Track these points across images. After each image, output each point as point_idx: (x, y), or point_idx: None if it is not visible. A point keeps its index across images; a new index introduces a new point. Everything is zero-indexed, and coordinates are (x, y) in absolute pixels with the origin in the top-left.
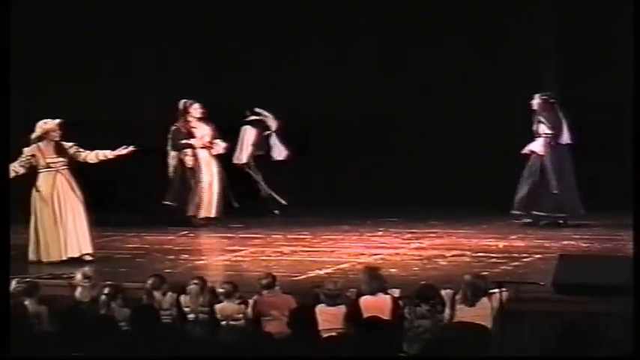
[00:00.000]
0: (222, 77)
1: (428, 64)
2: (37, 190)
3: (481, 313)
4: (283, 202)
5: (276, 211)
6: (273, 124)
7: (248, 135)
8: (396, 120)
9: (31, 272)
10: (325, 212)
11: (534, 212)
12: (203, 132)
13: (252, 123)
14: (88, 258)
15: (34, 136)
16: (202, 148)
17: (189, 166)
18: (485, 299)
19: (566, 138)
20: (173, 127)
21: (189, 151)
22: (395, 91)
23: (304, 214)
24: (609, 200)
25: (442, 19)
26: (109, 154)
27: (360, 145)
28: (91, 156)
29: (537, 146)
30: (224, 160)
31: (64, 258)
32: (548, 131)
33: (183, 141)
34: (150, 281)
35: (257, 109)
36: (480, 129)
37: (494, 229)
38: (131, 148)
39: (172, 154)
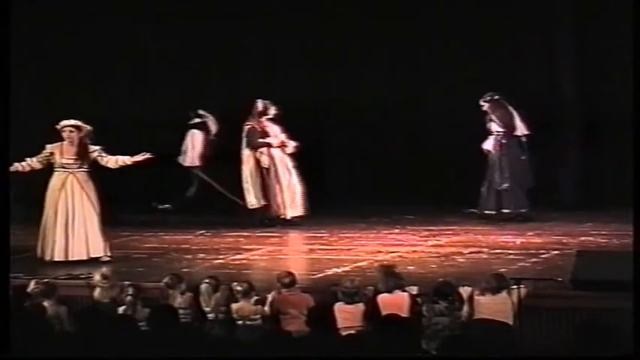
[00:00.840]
0: (225, 76)
1: (438, 59)
2: (48, 189)
3: (502, 309)
4: (240, 201)
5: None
6: (213, 127)
7: (196, 138)
8: (411, 117)
9: (45, 272)
10: (342, 210)
11: (484, 212)
12: (275, 131)
13: (197, 126)
14: (106, 259)
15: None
16: (277, 147)
17: (266, 166)
18: (505, 294)
19: (521, 130)
20: (247, 126)
21: (264, 150)
22: (406, 87)
23: (321, 212)
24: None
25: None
26: (127, 160)
27: (375, 142)
28: (112, 162)
29: (489, 145)
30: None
31: (57, 259)
32: (500, 129)
33: (261, 140)
34: (166, 280)
35: (200, 111)
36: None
37: (512, 226)
38: (148, 155)
39: (246, 154)
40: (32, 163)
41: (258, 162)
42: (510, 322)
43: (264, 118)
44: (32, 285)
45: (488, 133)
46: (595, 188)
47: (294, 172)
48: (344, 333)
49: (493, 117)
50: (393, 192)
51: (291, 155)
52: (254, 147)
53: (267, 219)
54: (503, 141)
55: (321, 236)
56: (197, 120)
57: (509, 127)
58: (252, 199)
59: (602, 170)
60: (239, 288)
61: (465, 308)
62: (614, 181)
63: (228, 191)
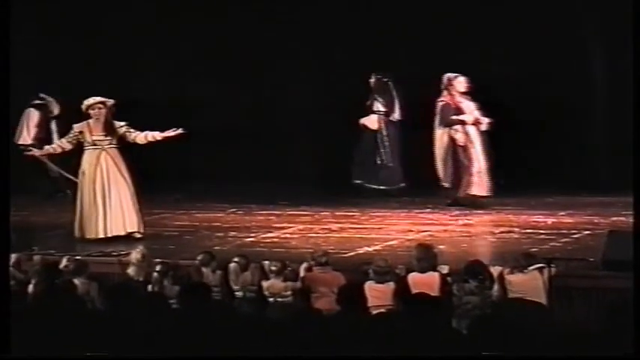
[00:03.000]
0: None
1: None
2: (82, 167)
3: (534, 287)
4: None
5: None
6: (55, 109)
7: (32, 117)
8: None
9: (77, 249)
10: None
11: (369, 185)
12: (469, 107)
13: (36, 106)
14: (138, 236)
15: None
16: (471, 124)
17: (461, 144)
18: (536, 273)
19: (397, 115)
20: (441, 102)
21: (459, 127)
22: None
23: (352, 192)
24: None
25: None
26: (157, 135)
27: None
28: (140, 137)
29: (371, 122)
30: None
31: (101, 236)
32: (382, 109)
33: (454, 117)
34: (199, 257)
35: (42, 95)
36: None
37: (543, 206)
38: (179, 130)
39: (440, 131)
40: (62, 144)
41: (452, 140)
42: (544, 302)
43: (454, 92)
44: (64, 262)
45: (371, 110)
46: (627, 168)
47: (482, 150)
48: (374, 311)
49: (377, 96)
50: (422, 172)
51: (483, 133)
52: (447, 124)
53: (458, 198)
54: (385, 120)
55: (352, 215)
56: (37, 101)
57: (389, 108)
58: (445, 178)
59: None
60: (273, 268)
61: (496, 287)
62: None
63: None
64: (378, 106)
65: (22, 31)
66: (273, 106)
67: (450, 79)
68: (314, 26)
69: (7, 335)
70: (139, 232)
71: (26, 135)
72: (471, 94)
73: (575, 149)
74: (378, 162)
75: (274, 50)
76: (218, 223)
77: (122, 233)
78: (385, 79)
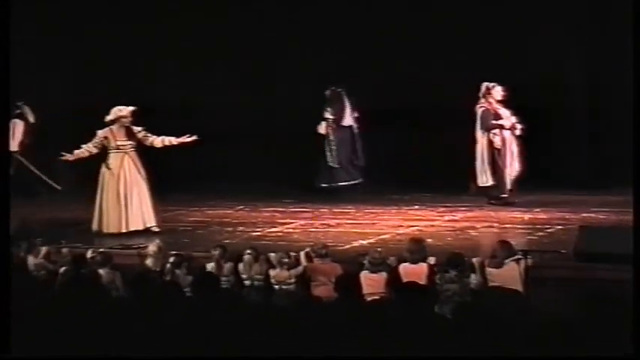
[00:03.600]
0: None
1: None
2: (108, 168)
3: (512, 276)
4: (57, 186)
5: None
6: (30, 117)
7: (17, 126)
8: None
9: (99, 242)
10: (367, 189)
11: (327, 184)
12: (506, 113)
13: (17, 116)
14: (155, 230)
15: (107, 119)
16: (508, 129)
17: (498, 148)
18: (514, 264)
19: (347, 121)
20: (481, 108)
21: (497, 132)
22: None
23: (348, 190)
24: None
25: None
26: (173, 140)
27: (400, 126)
28: (157, 141)
29: (321, 128)
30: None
31: (123, 230)
32: (330, 116)
33: (494, 122)
34: (217, 251)
35: (18, 104)
36: None
37: (520, 203)
38: (194, 137)
39: (479, 135)
40: (89, 148)
41: (490, 143)
42: (520, 290)
43: (492, 100)
44: (89, 254)
45: (323, 118)
46: (597, 170)
47: (517, 153)
48: (368, 299)
49: (328, 106)
50: (413, 172)
51: (517, 137)
52: (487, 128)
53: (495, 198)
54: (333, 126)
55: (348, 211)
56: (17, 111)
57: (337, 116)
58: (483, 178)
59: (604, 154)
60: (286, 260)
61: (474, 276)
62: (614, 163)
63: (46, 175)
64: (327, 114)
65: (22, 31)
66: (274, 106)
67: (488, 88)
68: (314, 26)
69: (7, 334)
70: (156, 226)
71: (12, 142)
72: (504, 101)
73: (557, 150)
74: (328, 163)
75: (274, 50)
76: (227, 219)
77: (141, 228)
78: (339, 90)
